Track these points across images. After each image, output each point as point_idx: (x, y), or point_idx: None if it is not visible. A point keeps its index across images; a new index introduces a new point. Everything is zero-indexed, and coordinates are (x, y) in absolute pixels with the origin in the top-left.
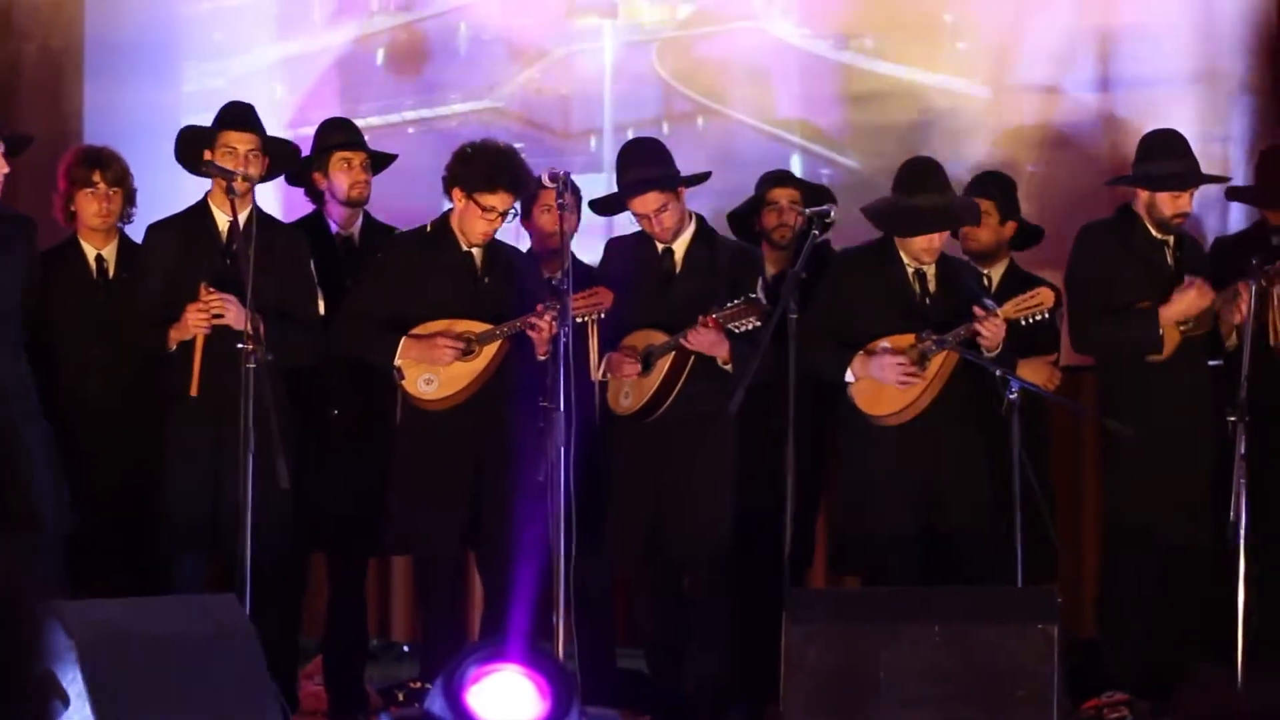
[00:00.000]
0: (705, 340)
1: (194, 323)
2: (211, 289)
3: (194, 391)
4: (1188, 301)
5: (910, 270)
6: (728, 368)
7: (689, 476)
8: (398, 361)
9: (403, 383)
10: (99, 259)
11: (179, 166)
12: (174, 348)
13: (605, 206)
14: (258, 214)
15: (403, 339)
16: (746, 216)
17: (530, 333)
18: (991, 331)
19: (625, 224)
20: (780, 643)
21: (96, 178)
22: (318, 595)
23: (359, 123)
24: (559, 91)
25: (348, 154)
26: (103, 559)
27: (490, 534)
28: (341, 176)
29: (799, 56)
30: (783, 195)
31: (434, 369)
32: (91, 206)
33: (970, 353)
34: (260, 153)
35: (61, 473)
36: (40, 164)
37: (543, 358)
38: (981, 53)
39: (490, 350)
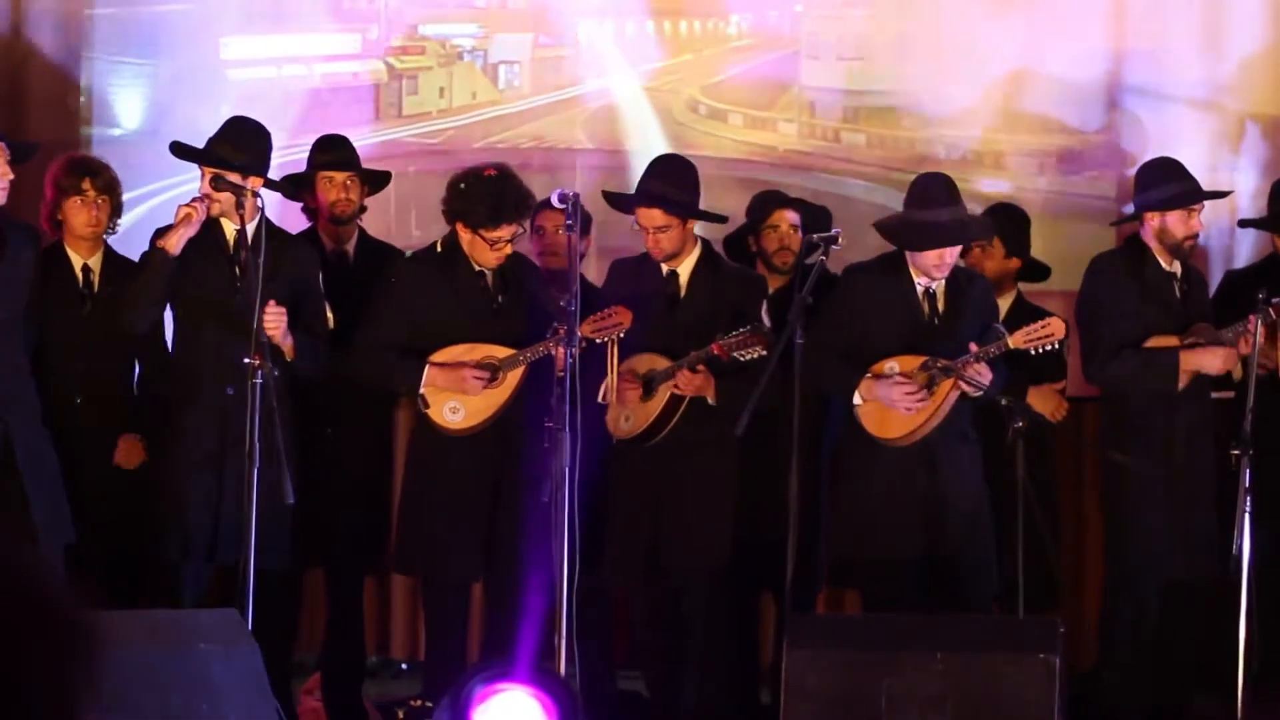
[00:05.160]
0: (693, 384)
1: (184, 209)
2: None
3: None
4: (1212, 364)
5: (920, 288)
6: (714, 404)
7: (689, 498)
8: (423, 390)
9: (427, 411)
10: (85, 269)
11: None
12: (175, 251)
13: (616, 202)
14: (266, 225)
15: (427, 367)
16: (743, 236)
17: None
18: (975, 376)
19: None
20: (780, 667)
21: (86, 185)
22: (315, 611)
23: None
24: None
25: (330, 172)
26: (95, 571)
27: (502, 554)
28: (324, 194)
29: (804, 86)
30: (784, 219)
31: (460, 397)
32: (81, 215)
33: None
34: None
35: (61, 483)
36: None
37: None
38: (992, 82)
39: (515, 376)
